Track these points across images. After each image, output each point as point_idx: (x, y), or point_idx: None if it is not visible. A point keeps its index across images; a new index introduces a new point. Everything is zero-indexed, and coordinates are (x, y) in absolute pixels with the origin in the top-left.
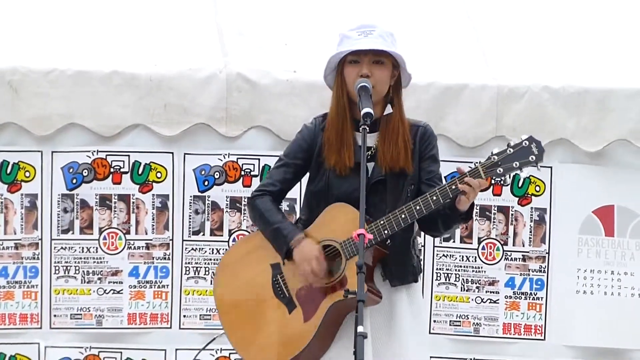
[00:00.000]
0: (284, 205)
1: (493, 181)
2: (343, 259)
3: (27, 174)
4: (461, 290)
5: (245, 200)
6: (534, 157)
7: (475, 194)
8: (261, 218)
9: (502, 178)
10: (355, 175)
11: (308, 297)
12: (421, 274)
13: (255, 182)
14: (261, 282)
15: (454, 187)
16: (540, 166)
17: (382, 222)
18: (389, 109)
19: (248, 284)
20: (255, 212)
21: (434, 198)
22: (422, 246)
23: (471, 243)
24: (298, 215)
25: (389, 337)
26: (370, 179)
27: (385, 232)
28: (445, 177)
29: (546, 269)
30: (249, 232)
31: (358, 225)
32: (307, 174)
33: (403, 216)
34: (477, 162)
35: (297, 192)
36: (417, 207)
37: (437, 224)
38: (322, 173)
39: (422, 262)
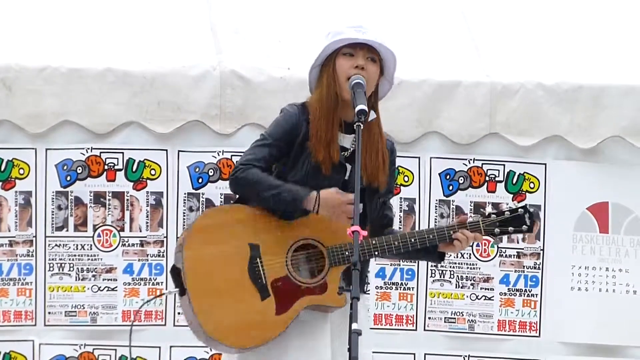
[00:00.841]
0: None
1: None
2: (326, 265)
3: (22, 171)
4: (456, 287)
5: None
6: (525, 227)
7: (467, 244)
8: (258, 184)
9: (494, 238)
10: (334, 174)
11: (283, 291)
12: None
13: None
14: (237, 259)
15: (451, 232)
16: (534, 163)
17: (373, 242)
18: (372, 115)
19: (222, 255)
20: (247, 181)
21: (430, 237)
22: None
23: None
24: None
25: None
26: (349, 181)
27: (376, 253)
28: (439, 174)
29: (541, 266)
30: None
31: (346, 234)
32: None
33: (396, 244)
34: (479, 218)
35: None
36: (412, 240)
37: (402, 255)
38: (302, 164)
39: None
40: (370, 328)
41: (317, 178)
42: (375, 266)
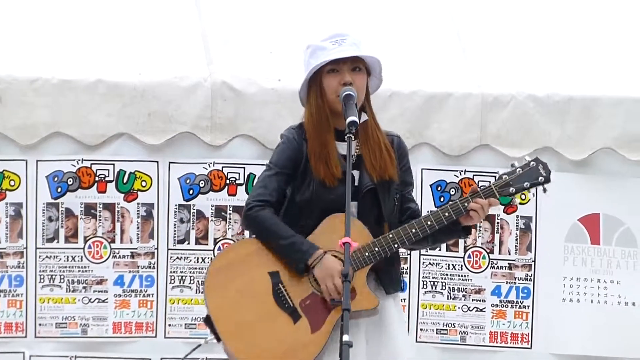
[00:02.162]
0: None
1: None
2: (350, 271)
3: (12, 182)
4: (447, 299)
5: (231, 208)
6: (542, 178)
7: (485, 212)
8: (269, 231)
9: (512, 197)
10: (341, 185)
11: (313, 308)
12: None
13: (241, 191)
14: (260, 290)
15: (466, 204)
16: None
17: (390, 235)
18: (364, 117)
19: (246, 292)
20: (259, 225)
21: (446, 214)
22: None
23: (457, 251)
24: None
25: (381, 344)
26: (360, 187)
27: (395, 245)
28: (430, 186)
29: (532, 277)
30: (234, 241)
31: (361, 236)
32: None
33: (414, 231)
34: (490, 182)
35: None
36: (429, 223)
37: (427, 239)
38: (308, 183)
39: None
40: None
41: (325, 193)
42: None
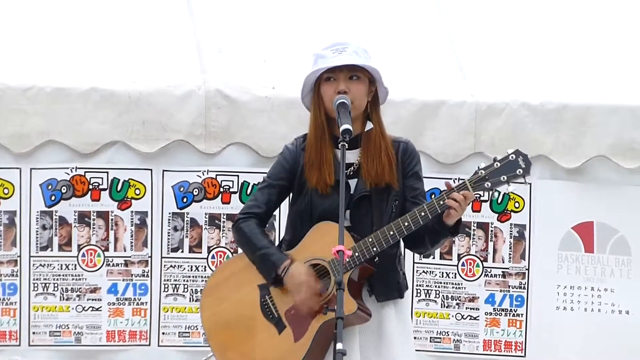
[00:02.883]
0: None
1: (480, 195)
2: (332, 278)
3: (6, 191)
4: (441, 307)
5: (224, 217)
6: (521, 171)
7: (463, 208)
8: (247, 243)
9: (490, 192)
10: (337, 193)
11: (297, 318)
12: (407, 290)
13: (235, 199)
14: (249, 303)
15: (441, 202)
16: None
17: (370, 239)
18: (369, 125)
19: (236, 306)
20: (240, 236)
21: (422, 214)
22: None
23: (451, 259)
24: (279, 233)
25: (378, 354)
26: (354, 195)
27: (374, 249)
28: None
29: (526, 286)
30: (227, 249)
31: (345, 242)
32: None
33: (391, 233)
34: (465, 178)
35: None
36: (406, 224)
37: (424, 241)
38: (305, 193)
39: (406, 279)
40: None
41: (320, 201)
42: None
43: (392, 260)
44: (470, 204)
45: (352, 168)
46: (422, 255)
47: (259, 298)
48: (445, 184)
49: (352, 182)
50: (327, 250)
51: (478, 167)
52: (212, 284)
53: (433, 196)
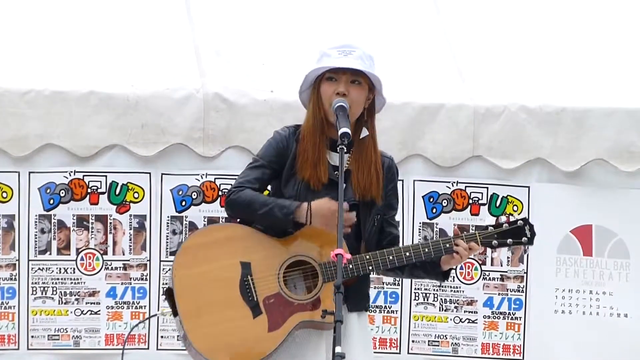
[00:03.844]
0: None
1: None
2: (320, 280)
3: (5, 194)
4: (439, 310)
5: (223, 220)
6: (525, 239)
7: (465, 257)
8: (252, 203)
9: (492, 249)
10: (325, 191)
11: (276, 308)
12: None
13: None
14: (228, 277)
15: (448, 245)
16: (517, 185)
17: (367, 257)
18: (364, 132)
19: (214, 274)
20: (241, 201)
21: (426, 250)
22: None
23: None
24: None
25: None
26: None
27: (370, 268)
28: (422, 197)
29: (524, 289)
30: None
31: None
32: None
33: (391, 258)
34: (474, 229)
35: None
36: (407, 254)
37: (404, 271)
38: (294, 182)
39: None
40: None
41: (308, 195)
42: None
43: (367, 275)
44: (469, 207)
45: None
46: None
47: (239, 275)
48: (454, 230)
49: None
50: (319, 252)
51: (487, 224)
52: (191, 244)
53: (431, 199)
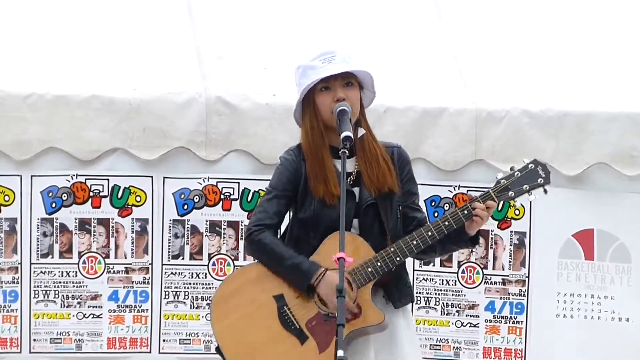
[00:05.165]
0: None
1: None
2: (354, 288)
3: (7, 198)
4: (441, 314)
5: (225, 224)
6: (542, 180)
7: (486, 217)
8: (271, 254)
9: (513, 201)
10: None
11: (320, 328)
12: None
13: (235, 206)
14: (267, 314)
15: (465, 211)
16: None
17: (392, 249)
18: (361, 132)
19: (253, 317)
20: (261, 248)
21: (447, 223)
22: None
23: (451, 267)
24: None
25: (391, 357)
26: (360, 203)
27: (397, 259)
28: (424, 201)
29: (526, 293)
30: (228, 256)
31: (360, 251)
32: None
33: (415, 242)
34: (488, 188)
35: None
36: (429, 233)
37: (436, 249)
38: (309, 202)
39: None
40: None
41: (326, 211)
42: None
43: (403, 266)
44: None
45: (351, 177)
46: (422, 263)
47: (276, 309)
48: (468, 197)
49: (356, 191)
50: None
51: (497, 178)
52: (222, 295)
53: (433, 203)
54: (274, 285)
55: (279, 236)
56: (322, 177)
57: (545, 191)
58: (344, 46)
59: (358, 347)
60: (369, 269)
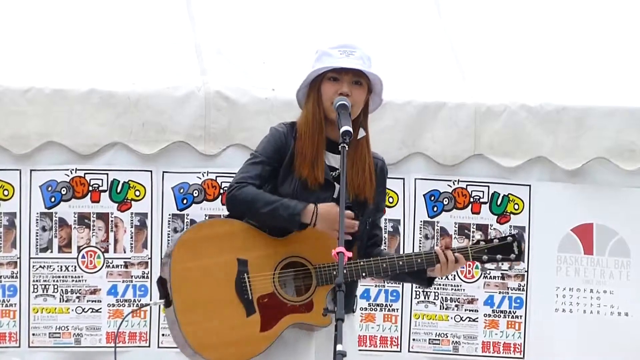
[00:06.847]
0: None
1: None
2: (314, 283)
3: (6, 192)
4: (440, 309)
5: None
6: (514, 256)
7: (453, 268)
8: (256, 201)
9: (481, 264)
10: (322, 192)
11: (269, 308)
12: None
13: None
14: (224, 273)
15: (441, 257)
16: (518, 184)
17: (362, 263)
18: (361, 133)
19: (210, 269)
20: (244, 198)
21: (419, 261)
22: None
23: None
24: None
25: (329, 354)
26: (336, 199)
27: (364, 274)
28: (423, 196)
29: (525, 287)
30: None
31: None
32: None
33: (384, 265)
34: (467, 244)
35: None
36: (400, 263)
37: (388, 275)
38: (290, 181)
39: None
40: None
41: (305, 195)
42: (359, 287)
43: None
44: (471, 206)
45: (334, 173)
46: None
47: (236, 273)
48: (444, 244)
49: (336, 187)
50: (314, 254)
51: (478, 239)
52: (189, 237)
53: (432, 198)
54: (241, 248)
55: None
56: (309, 160)
57: (511, 268)
58: (351, 41)
59: (301, 340)
60: (334, 273)
